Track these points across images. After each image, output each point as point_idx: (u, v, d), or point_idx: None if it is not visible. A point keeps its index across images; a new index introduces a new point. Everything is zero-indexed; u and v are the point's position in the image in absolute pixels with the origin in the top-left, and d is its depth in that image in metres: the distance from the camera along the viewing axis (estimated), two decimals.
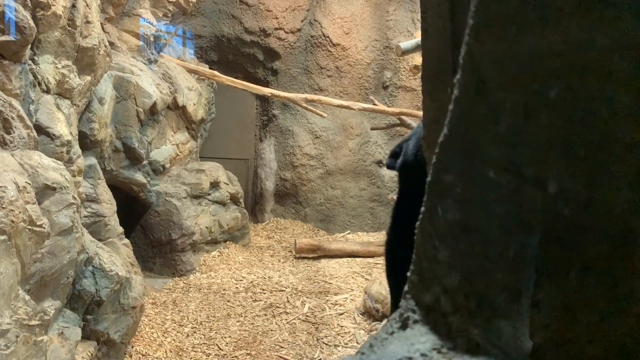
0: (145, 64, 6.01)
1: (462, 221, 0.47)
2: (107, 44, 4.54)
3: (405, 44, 3.97)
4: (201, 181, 6.66)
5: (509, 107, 0.44)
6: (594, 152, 0.38)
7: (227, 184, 7.25)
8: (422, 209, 0.52)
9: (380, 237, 8.40)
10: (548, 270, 0.41)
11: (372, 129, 8.76)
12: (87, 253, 3.54)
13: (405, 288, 0.53)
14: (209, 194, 6.88)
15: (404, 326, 0.50)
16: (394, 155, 1.66)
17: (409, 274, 0.53)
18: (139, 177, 5.84)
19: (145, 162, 5.90)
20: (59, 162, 3.44)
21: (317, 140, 8.92)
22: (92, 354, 3.46)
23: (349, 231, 8.71)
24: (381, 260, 7.03)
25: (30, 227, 2.78)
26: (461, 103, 0.49)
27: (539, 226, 0.41)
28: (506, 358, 0.40)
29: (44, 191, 3.06)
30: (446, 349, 0.43)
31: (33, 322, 2.79)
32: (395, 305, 1.53)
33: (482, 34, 0.47)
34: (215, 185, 6.95)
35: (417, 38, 4.06)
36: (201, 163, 7.18)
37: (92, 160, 4.61)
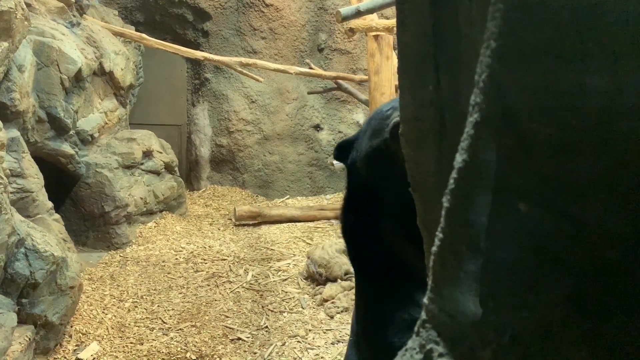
0: (67, 27, 5.60)
1: (488, 252, 0.46)
2: (24, 6, 4.17)
3: (346, 10, 3.91)
4: (133, 150, 6.40)
5: (543, 140, 0.42)
6: None
7: (161, 153, 7.01)
8: (440, 235, 0.51)
9: (320, 201, 8.47)
10: (587, 310, 0.40)
11: (309, 93, 8.69)
12: (18, 234, 3.33)
13: (423, 316, 0.52)
14: (142, 164, 6.63)
15: (428, 359, 0.49)
16: (343, 148, 1.65)
17: (425, 301, 0.52)
18: (66, 148, 5.52)
19: (72, 132, 5.57)
20: None
21: (253, 104, 8.75)
22: (29, 339, 3.31)
23: (288, 196, 8.71)
24: (321, 225, 7.11)
25: None
26: (484, 129, 0.47)
27: (578, 266, 0.41)
28: None
29: None
30: None
31: None
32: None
33: (509, 60, 0.45)
34: (148, 154, 6.71)
35: (357, 4, 4.01)
36: (132, 131, 6.88)
37: (15, 133, 4.30)
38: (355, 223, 1.60)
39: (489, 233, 0.46)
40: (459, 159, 0.50)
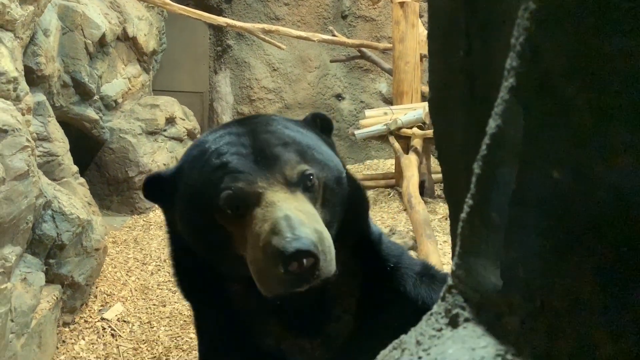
0: None
1: (517, 219, 0.46)
2: None
3: None
4: (156, 117, 6.44)
5: (581, 105, 0.41)
6: None
7: (183, 119, 7.04)
8: (470, 201, 0.51)
9: None
10: (619, 279, 0.40)
11: (331, 61, 8.59)
12: (45, 197, 3.40)
13: (450, 282, 0.52)
14: (165, 130, 6.68)
15: (453, 324, 0.49)
16: (156, 185, 1.33)
17: (453, 267, 0.52)
18: (91, 113, 5.58)
19: (96, 97, 5.62)
20: (8, 101, 3.23)
21: (275, 72, 8.70)
22: (57, 298, 3.42)
23: None
24: None
25: None
26: (519, 95, 0.46)
27: (612, 234, 0.40)
28: None
29: None
30: (511, 356, 0.43)
31: None
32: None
33: (548, 22, 0.43)
34: (170, 120, 6.75)
35: None
36: (155, 97, 6.91)
37: (41, 97, 4.35)
38: (198, 286, 1.37)
39: (520, 199, 0.45)
40: (492, 124, 0.49)
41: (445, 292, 0.51)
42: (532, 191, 0.44)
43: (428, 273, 1.41)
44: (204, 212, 1.19)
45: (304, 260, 1.02)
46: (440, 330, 0.48)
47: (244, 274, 1.17)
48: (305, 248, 1.01)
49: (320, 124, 1.44)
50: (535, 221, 0.44)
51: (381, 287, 1.35)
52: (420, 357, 0.44)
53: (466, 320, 0.47)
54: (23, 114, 3.57)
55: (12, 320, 2.82)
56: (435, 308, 0.52)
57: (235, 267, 1.22)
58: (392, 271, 1.37)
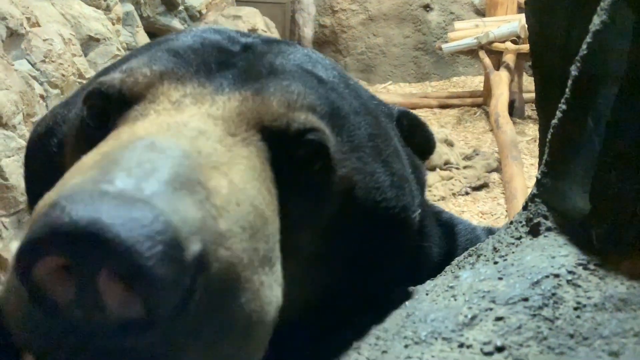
0: None
1: (617, 123, 0.42)
2: None
3: None
4: (239, 28, 6.44)
5: None
6: None
7: (265, 31, 7.01)
8: (563, 106, 0.47)
9: (424, 88, 8.19)
10: None
11: None
12: None
13: (534, 191, 0.50)
14: None
15: (534, 232, 0.47)
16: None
17: (538, 176, 0.49)
18: (176, 23, 5.68)
19: (181, 7, 5.70)
20: (99, 10, 3.34)
21: None
22: None
23: (390, 82, 8.50)
24: (423, 113, 6.93)
25: (79, 80, 2.79)
26: None
27: None
28: None
29: (88, 42, 3.02)
30: (593, 265, 0.41)
31: None
32: None
33: None
34: (253, 32, 6.74)
35: None
36: (238, 8, 6.91)
37: (129, 7, 4.47)
38: None
39: (622, 102, 0.41)
40: (597, 20, 0.44)
41: (527, 201, 0.49)
42: (635, 94, 0.40)
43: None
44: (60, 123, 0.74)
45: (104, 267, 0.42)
46: (519, 238, 0.46)
47: None
48: (127, 231, 0.41)
49: (407, 130, 0.88)
50: (636, 124, 0.40)
51: None
52: (496, 262, 0.43)
53: (548, 229, 0.45)
54: (113, 24, 3.69)
55: None
56: (515, 217, 0.50)
57: None
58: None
